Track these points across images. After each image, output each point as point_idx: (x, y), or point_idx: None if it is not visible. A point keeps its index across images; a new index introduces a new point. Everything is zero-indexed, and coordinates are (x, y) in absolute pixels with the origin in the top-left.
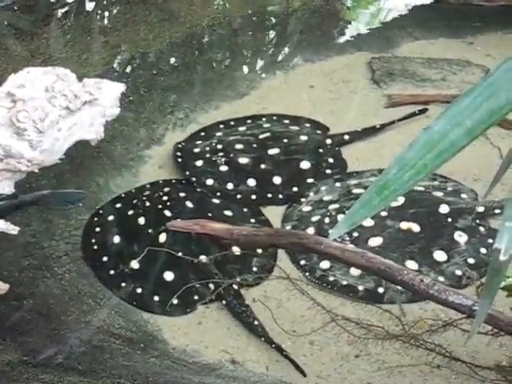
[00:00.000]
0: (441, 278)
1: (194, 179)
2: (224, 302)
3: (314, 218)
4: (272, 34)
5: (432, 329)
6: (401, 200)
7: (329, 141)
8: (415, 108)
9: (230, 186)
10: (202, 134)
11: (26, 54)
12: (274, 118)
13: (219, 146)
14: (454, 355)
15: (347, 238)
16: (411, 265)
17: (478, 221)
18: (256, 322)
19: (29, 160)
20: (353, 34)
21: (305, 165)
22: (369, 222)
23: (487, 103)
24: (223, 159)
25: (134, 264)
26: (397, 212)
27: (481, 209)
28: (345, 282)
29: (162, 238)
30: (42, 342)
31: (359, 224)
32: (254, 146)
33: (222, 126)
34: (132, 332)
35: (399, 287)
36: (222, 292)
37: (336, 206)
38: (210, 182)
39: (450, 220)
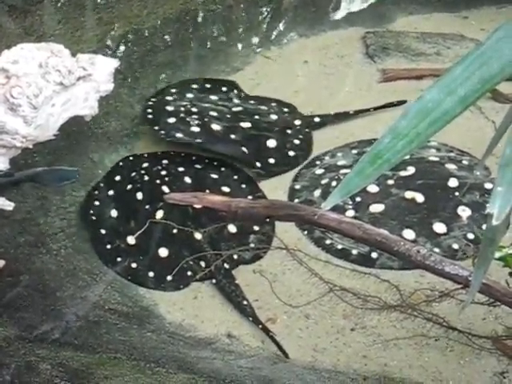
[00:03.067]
0: (436, 250)
1: (162, 132)
2: (214, 280)
3: (323, 181)
4: (266, 9)
5: (429, 299)
6: (411, 170)
7: (298, 122)
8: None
9: (198, 140)
10: (173, 90)
11: (19, 31)
12: (242, 94)
13: (194, 109)
14: (450, 325)
15: (350, 203)
16: (408, 234)
17: (485, 197)
18: (245, 302)
19: (23, 136)
20: (347, 9)
21: (271, 143)
22: (373, 189)
23: (479, 72)
24: (196, 121)
25: (131, 239)
26: (404, 181)
27: (489, 185)
28: (340, 246)
29: (159, 214)
30: (38, 318)
31: (353, 193)
32: (228, 116)
33: (194, 86)
34: (128, 307)
35: None
36: (213, 270)
37: (347, 170)
38: (179, 135)
39: (456, 194)
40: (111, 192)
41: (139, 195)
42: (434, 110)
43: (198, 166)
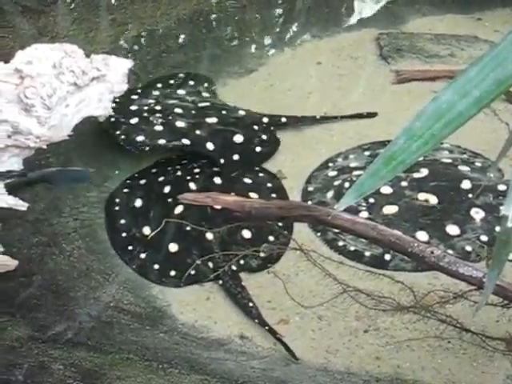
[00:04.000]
0: (449, 252)
1: (123, 137)
2: (220, 282)
3: (336, 183)
4: (280, 10)
5: (442, 301)
6: (424, 172)
7: (266, 119)
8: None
9: (161, 141)
10: (139, 90)
11: (33, 31)
12: (213, 88)
13: (158, 107)
14: (464, 326)
15: (363, 204)
16: (422, 235)
17: (498, 199)
18: (251, 304)
19: (37, 136)
20: (361, 11)
21: (238, 138)
22: (387, 190)
23: (494, 73)
24: (160, 120)
25: (146, 230)
26: (418, 183)
27: (503, 187)
28: (353, 248)
29: (179, 209)
30: (51, 318)
31: (367, 195)
32: (193, 112)
33: (159, 84)
34: (141, 307)
35: None
36: (220, 273)
37: (359, 172)
38: (140, 138)
39: (469, 196)
40: (143, 181)
41: (166, 188)
42: (449, 112)
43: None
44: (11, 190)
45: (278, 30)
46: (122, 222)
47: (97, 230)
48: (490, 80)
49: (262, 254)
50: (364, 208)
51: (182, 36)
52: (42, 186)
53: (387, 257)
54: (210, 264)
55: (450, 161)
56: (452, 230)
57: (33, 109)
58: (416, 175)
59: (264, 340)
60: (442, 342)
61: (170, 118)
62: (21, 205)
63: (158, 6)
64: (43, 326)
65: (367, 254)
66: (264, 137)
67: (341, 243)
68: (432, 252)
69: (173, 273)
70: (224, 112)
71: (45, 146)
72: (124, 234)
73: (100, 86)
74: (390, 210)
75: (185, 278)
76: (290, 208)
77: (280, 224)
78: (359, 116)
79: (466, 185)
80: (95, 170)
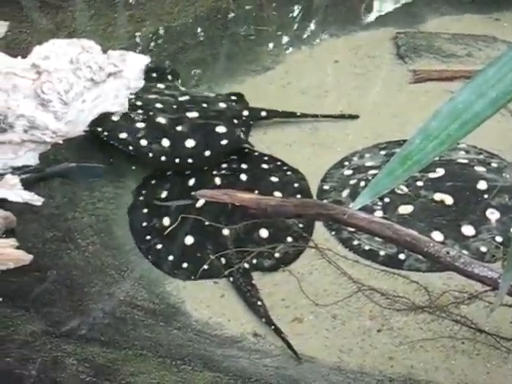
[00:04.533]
0: (464, 252)
1: (106, 133)
2: (231, 279)
3: (352, 182)
4: (297, 8)
5: (457, 301)
6: (440, 172)
7: (246, 113)
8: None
9: (143, 142)
10: None
11: (51, 27)
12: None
13: (139, 103)
14: (478, 327)
15: (378, 204)
16: (437, 236)
17: None
18: (259, 303)
19: (53, 131)
20: (379, 9)
21: (220, 129)
22: (402, 190)
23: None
24: (141, 116)
25: (166, 221)
26: (433, 183)
27: None
28: (367, 247)
29: (200, 203)
30: (65, 313)
31: (382, 194)
32: (174, 107)
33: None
34: (155, 304)
35: None
36: (232, 270)
37: (375, 171)
38: (123, 135)
39: (485, 196)
40: (169, 172)
41: (191, 181)
42: (465, 112)
43: (264, 166)
44: (27, 185)
45: (295, 28)
46: (145, 211)
47: (112, 226)
48: (507, 80)
49: (276, 255)
50: (379, 207)
51: (200, 33)
52: (58, 181)
53: (402, 256)
54: (223, 260)
55: (466, 161)
56: (467, 230)
57: (49, 104)
58: (432, 175)
59: (277, 338)
60: (455, 342)
61: (151, 113)
62: (36, 199)
63: (175, 3)
64: (57, 321)
65: (382, 253)
66: (244, 129)
67: (356, 242)
68: (447, 252)
69: (185, 265)
70: (205, 105)
71: (61, 141)
72: (144, 224)
73: (117, 81)
74: (406, 209)
75: (198, 273)
76: (305, 206)
77: (301, 225)
78: (341, 116)
79: (482, 185)
80: (111, 166)
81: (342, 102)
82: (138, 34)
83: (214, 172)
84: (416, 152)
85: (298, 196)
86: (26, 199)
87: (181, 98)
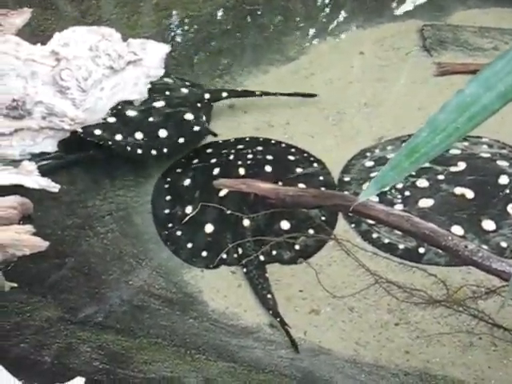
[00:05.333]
0: (484, 247)
1: (81, 130)
2: (245, 270)
3: (373, 174)
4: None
5: (475, 295)
6: (462, 166)
7: (207, 95)
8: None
9: (118, 137)
10: None
11: (75, 14)
12: None
13: None
14: (495, 322)
15: (398, 197)
16: (457, 230)
17: None
18: (269, 296)
19: (71, 119)
20: (406, 1)
21: (188, 116)
22: (423, 183)
23: None
24: (110, 111)
25: (188, 209)
26: (454, 177)
27: None
28: (386, 240)
29: (223, 192)
30: (82, 300)
31: (389, 187)
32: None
33: None
34: (172, 293)
35: None
36: (246, 260)
37: None
38: (97, 131)
39: (507, 191)
40: (195, 161)
41: (216, 170)
42: (473, 105)
43: (290, 158)
44: (47, 172)
45: (321, 18)
46: (168, 198)
47: (132, 214)
48: None
49: (296, 247)
50: (399, 201)
51: (225, 22)
52: (79, 168)
53: (421, 250)
54: (240, 250)
55: (488, 155)
56: (488, 225)
57: (68, 91)
58: (453, 169)
59: (293, 329)
60: (472, 337)
61: (120, 107)
62: (52, 186)
63: None
64: (73, 308)
65: (401, 246)
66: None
67: (375, 235)
68: (466, 246)
69: (204, 253)
70: (168, 93)
71: (79, 129)
72: (167, 211)
73: (136, 70)
74: (426, 203)
75: (215, 260)
76: (324, 197)
77: (323, 218)
78: (298, 94)
79: (503, 180)
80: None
81: (366, 93)
82: (162, 23)
83: (239, 162)
84: (423, 145)
85: (323, 189)
86: (42, 185)
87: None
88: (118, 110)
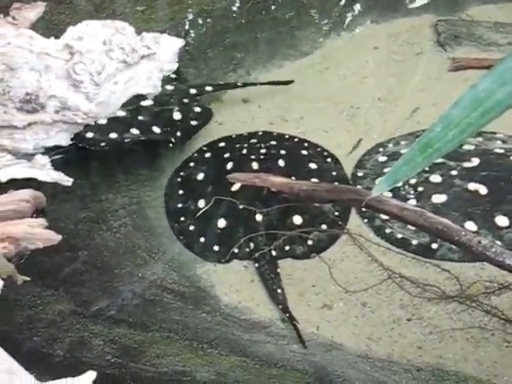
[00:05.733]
0: (498, 243)
1: (72, 135)
2: (256, 264)
3: (386, 169)
4: None
5: (488, 291)
6: (475, 161)
7: (193, 91)
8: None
9: (113, 135)
10: None
11: (89, 8)
12: None
13: None
14: (509, 318)
15: (412, 192)
16: (470, 226)
17: None
18: (279, 291)
19: (85, 112)
20: None
21: (177, 115)
22: (436, 179)
23: None
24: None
25: (201, 203)
26: (468, 172)
27: None
28: (399, 236)
29: (236, 187)
30: (95, 294)
31: (402, 182)
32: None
33: None
34: (185, 287)
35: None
36: (258, 255)
37: None
38: (89, 134)
39: None
40: (208, 155)
41: (229, 165)
42: (487, 100)
43: (303, 152)
44: (60, 166)
45: (335, 13)
46: (181, 192)
47: (145, 208)
48: None
49: (309, 242)
50: (412, 196)
51: (239, 17)
52: (93, 162)
53: (434, 246)
54: (252, 245)
55: (502, 151)
56: (501, 221)
57: (81, 85)
58: (467, 165)
59: (306, 324)
60: (485, 333)
61: None
62: (65, 180)
63: None
64: (86, 302)
65: (414, 242)
66: (197, 109)
67: (388, 230)
68: (479, 242)
69: (216, 248)
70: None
71: (92, 123)
72: (180, 205)
73: (150, 64)
74: (440, 198)
75: (227, 255)
76: (338, 191)
77: (336, 213)
78: (278, 83)
79: None
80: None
81: (380, 88)
82: (177, 17)
83: (252, 157)
84: (436, 140)
85: (336, 184)
86: (54, 179)
87: None
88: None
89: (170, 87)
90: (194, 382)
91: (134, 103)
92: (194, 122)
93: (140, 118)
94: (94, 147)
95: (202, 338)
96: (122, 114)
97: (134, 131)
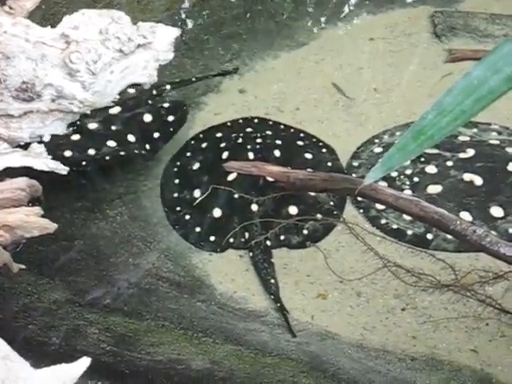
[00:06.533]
0: (493, 234)
1: (50, 156)
2: (251, 254)
3: (381, 159)
4: None
5: (483, 280)
6: (470, 152)
7: (154, 92)
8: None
9: (91, 151)
10: None
11: None
12: None
13: None
14: (503, 308)
15: (407, 183)
16: (465, 216)
17: None
18: (272, 281)
19: (81, 101)
20: None
21: (147, 118)
22: (431, 170)
23: None
24: (70, 128)
25: (197, 193)
26: (463, 163)
27: None
28: (395, 226)
29: (232, 176)
30: (90, 283)
31: (395, 169)
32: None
33: None
34: (180, 276)
35: (449, 236)
36: (253, 244)
37: None
38: (67, 153)
39: None
40: (204, 145)
41: (225, 154)
42: (480, 88)
43: (299, 143)
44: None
45: (332, 4)
46: (176, 181)
47: (141, 197)
48: None
49: (304, 231)
50: (408, 187)
51: (236, 7)
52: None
53: (429, 236)
54: (247, 234)
55: (497, 142)
56: (496, 211)
57: (77, 74)
58: (462, 155)
59: (301, 313)
60: (480, 323)
61: (79, 122)
62: (62, 168)
63: None
64: (81, 290)
65: (409, 232)
66: (166, 105)
67: (383, 221)
68: (474, 231)
69: (212, 238)
70: (118, 96)
71: (88, 112)
72: (175, 195)
73: (146, 53)
74: (435, 189)
75: (223, 244)
76: (334, 181)
77: (332, 203)
78: (225, 73)
79: None
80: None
81: (376, 79)
82: (173, 6)
83: (248, 146)
84: (429, 127)
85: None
86: (51, 168)
87: None
88: (78, 125)
89: (131, 90)
90: (189, 371)
91: (101, 114)
92: (170, 118)
93: (113, 127)
94: (75, 167)
95: (197, 326)
96: (93, 126)
97: (111, 143)
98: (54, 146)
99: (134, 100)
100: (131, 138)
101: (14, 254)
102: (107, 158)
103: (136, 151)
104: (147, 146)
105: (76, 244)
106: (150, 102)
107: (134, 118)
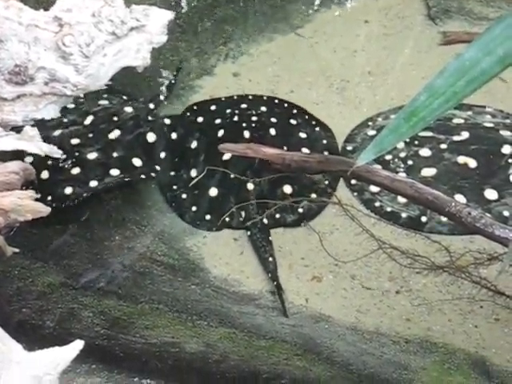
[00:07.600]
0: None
1: (50, 198)
2: (248, 233)
3: (374, 141)
4: None
5: (477, 262)
6: (465, 135)
7: (151, 105)
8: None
9: (93, 183)
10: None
11: None
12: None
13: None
14: (498, 289)
15: (401, 166)
16: (459, 199)
17: None
18: (270, 259)
19: (74, 84)
20: None
21: (151, 137)
22: (426, 153)
23: None
24: (69, 161)
25: (194, 172)
26: (457, 146)
27: None
28: (389, 209)
29: (227, 155)
30: (84, 266)
31: (387, 150)
32: (90, 135)
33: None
34: (174, 259)
35: (443, 218)
36: (250, 223)
37: None
38: (68, 190)
39: (509, 161)
40: (200, 119)
41: (220, 132)
42: (472, 69)
43: (292, 122)
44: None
45: None
46: (176, 160)
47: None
48: None
49: (300, 210)
50: (402, 170)
51: None
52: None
53: (424, 219)
54: (243, 213)
55: (491, 125)
56: (490, 194)
57: (70, 57)
58: (456, 138)
59: (295, 296)
60: (474, 306)
61: (77, 154)
62: (55, 152)
63: None
64: (76, 274)
65: (404, 215)
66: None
67: (377, 204)
68: (469, 213)
69: (208, 217)
70: (116, 118)
71: (81, 95)
72: (172, 173)
73: (139, 36)
74: (429, 172)
75: (219, 223)
76: (329, 162)
77: (326, 182)
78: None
79: (506, 149)
80: None
81: (370, 62)
82: None
83: (244, 125)
84: (422, 109)
85: (326, 153)
86: (45, 151)
87: (86, 122)
88: (76, 157)
89: (129, 109)
90: (183, 353)
91: (99, 140)
92: (151, 105)
93: (115, 154)
94: (76, 200)
95: (192, 309)
96: (93, 156)
97: (114, 172)
98: (53, 184)
99: (134, 119)
100: (137, 161)
101: (8, 237)
102: (109, 185)
103: (143, 176)
104: (157, 167)
105: (70, 227)
106: (150, 118)
107: (138, 140)
